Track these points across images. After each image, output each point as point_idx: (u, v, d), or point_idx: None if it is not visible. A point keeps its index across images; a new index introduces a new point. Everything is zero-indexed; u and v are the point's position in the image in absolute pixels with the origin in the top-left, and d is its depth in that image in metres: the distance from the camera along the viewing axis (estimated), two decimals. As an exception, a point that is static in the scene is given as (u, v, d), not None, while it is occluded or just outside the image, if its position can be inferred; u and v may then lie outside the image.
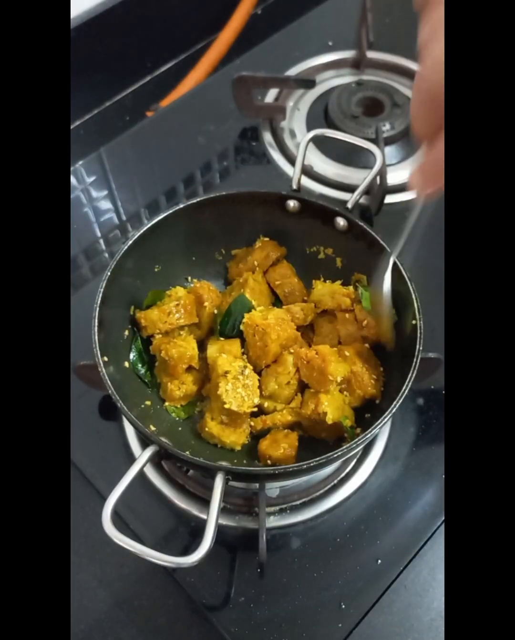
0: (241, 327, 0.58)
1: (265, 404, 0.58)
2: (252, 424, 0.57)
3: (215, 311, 0.61)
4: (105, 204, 0.81)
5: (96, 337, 0.52)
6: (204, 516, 0.58)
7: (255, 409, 0.55)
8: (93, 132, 0.91)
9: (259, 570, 0.55)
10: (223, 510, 0.59)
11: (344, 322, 0.60)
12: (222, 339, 0.60)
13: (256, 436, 0.58)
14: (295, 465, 0.47)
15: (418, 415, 0.64)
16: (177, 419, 0.59)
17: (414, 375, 0.50)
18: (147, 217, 0.80)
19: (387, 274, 0.55)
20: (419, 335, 0.52)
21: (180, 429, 0.58)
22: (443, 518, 0.58)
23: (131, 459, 0.61)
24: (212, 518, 0.44)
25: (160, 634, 0.54)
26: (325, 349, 0.55)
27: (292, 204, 0.62)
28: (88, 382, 0.60)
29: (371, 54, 0.90)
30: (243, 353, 0.59)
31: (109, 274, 0.55)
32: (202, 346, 0.61)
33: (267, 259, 0.64)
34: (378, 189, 0.74)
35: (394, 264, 0.56)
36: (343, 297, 0.61)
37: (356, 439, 0.48)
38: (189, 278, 0.66)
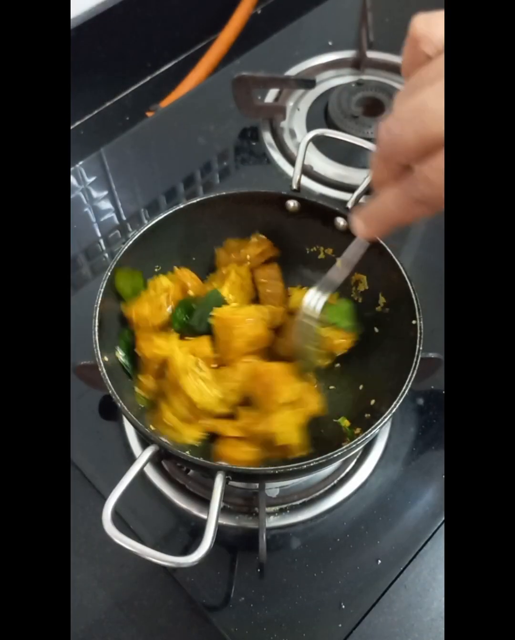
0: (210, 320, 0.58)
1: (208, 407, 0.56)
2: (204, 423, 0.56)
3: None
4: (105, 204, 0.81)
5: (96, 337, 0.52)
6: (204, 516, 0.58)
7: (218, 401, 0.55)
8: (93, 132, 0.91)
9: (259, 570, 0.55)
10: (223, 510, 0.59)
11: None
12: (190, 338, 0.59)
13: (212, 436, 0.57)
14: (295, 465, 0.47)
15: (418, 415, 0.64)
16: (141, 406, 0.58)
17: (413, 375, 0.50)
18: (147, 217, 0.80)
19: (319, 304, 0.54)
20: (418, 335, 0.52)
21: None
22: (443, 518, 0.58)
23: (131, 458, 0.61)
24: (212, 518, 0.44)
25: (160, 634, 0.54)
26: (277, 367, 0.55)
27: (292, 204, 0.62)
28: (88, 382, 0.60)
29: (371, 54, 0.90)
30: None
31: (109, 274, 0.55)
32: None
33: (260, 256, 0.63)
34: (378, 189, 0.74)
35: (393, 263, 0.56)
36: None
37: (356, 439, 0.48)
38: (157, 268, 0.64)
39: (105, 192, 0.82)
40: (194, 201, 0.60)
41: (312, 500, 0.60)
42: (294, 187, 0.62)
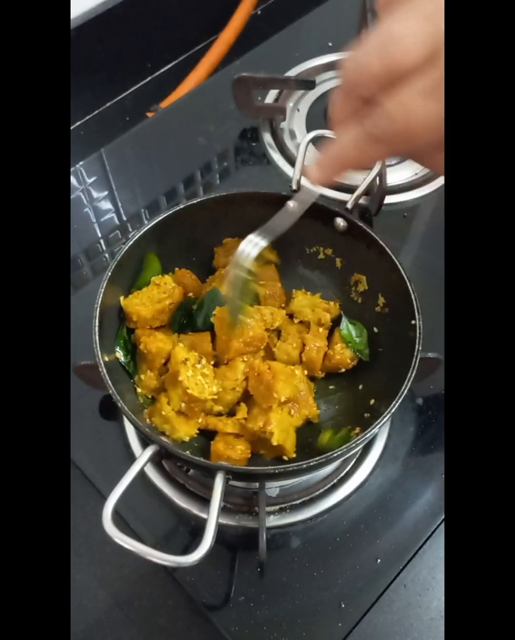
0: (211, 319, 0.58)
1: (206, 404, 0.57)
2: (200, 420, 0.57)
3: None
4: (106, 205, 0.81)
5: (97, 337, 0.52)
6: (204, 515, 0.58)
7: (215, 397, 0.55)
8: (93, 133, 0.91)
9: (259, 569, 0.56)
10: (223, 510, 0.59)
11: (315, 335, 0.60)
12: (191, 333, 0.60)
13: (207, 435, 0.57)
14: (295, 464, 0.47)
15: (417, 415, 0.64)
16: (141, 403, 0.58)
17: (413, 375, 0.50)
18: (147, 218, 0.80)
19: (253, 252, 0.51)
20: (418, 335, 0.52)
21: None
22: (442, 517, 0.58)
23: (131, 458, 0.61)
24: (213, 517, 0.44)
25: (160, 633, 0.54)
26: (278, 366, 0.56)
27: (292, 204, 0.62)
28: (88, 382, 0.60)
29: (371, 55, 0.90)
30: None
31: (109, 274, 0.55)
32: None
33: (258, 258, 0.63)
34: (378, 190, 0.74)
35: (393, 263, 0.56)
36: (322, 312, 0.61)
37: (356, 439, 0.48)
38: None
39: (106, 192, 0.82)
40: (194, 201, 0.60)
41: (312, 500, 0.60)
42: (294, 187, 0.62)
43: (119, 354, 0.57)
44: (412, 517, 0.59)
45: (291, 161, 0.82)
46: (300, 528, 0.59)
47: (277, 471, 0.48)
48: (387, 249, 0.57)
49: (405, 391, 0.49)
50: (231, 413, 0.58)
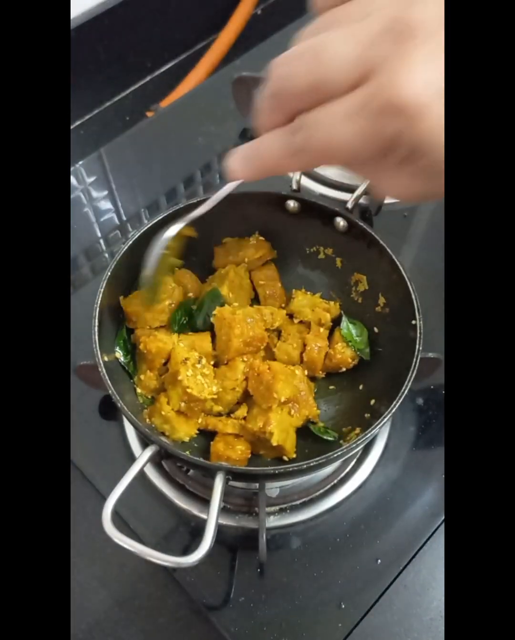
0: (211, 319, 0.59)
1: (206, 404, 0.57)
2: (199, 420, 0.57)
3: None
4: (106, 204, 0.81)
5: (96, 337, 0.52)
6: (204, 516, 0.58)
7: (215, 397, 0.55)
8: (93, 132, 0.91)
9: (259, 570, 0.56)
10: (223, 510, 0.59)
11: (316, 335, 0.60)
12: (191, 333, 0.60)
13: (207, 436, 0.57)
14: (295, 465, 0.47)
15: (418, 415, 0.64)
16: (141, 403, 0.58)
17: (413, 375, 0.50)
18: (147, 217, 0.80)
19: (172, 232, 0.51)
20: (418, 335, 0.52)
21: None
22: (443, 518, 0.58)
23: (131, 458, 0.61)
24: (212, 518, 0.44)
25: (160, 634, 0.54)
26: (278, 366, 0.56)
27: (292, 204, 0.62)
28: (88, 382, 0.60)
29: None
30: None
31: (109, 274, 0.55)
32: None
33: (257, 258, 0.64)
34: (378, 189, 0.74)
35: (393, 263, 0.56)
36: (323, 312, 0.61)
37: (356, 439, 0.48)
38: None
39: (105, 192, 0.82)
40: (194, 201, 0.60)
41: (312, 500, 0.60)
42: (294, 187, 0.62)
43: (119, 354, 0.57)
44: (412, 517, 0.59)
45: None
46: (300, 528, 0.59)
47: (277, 471, 0.48)
48: (387, 248, 0.57)
49: (406, 391, 0.49)
50: (231, 413, 0.58)
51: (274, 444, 0.53)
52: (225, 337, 0.57)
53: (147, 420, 0.55)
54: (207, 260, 0.66)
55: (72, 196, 0.81)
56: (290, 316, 0.63)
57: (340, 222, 0.60)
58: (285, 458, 0.55)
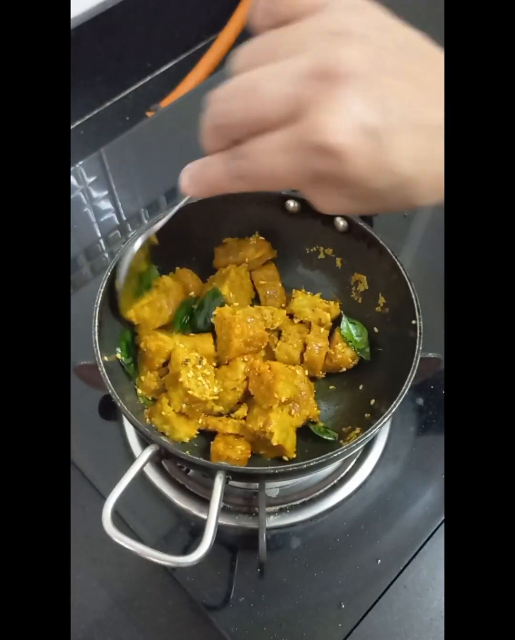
0: (212, 320, 0.59)
1: (207, 405, 0.57)
2: (200, 421, 0.57)
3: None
4: (106, 204, 0.81)
5: (96, 337, 0.52)
6: (204, 516, 0.58)
7: (216, 397, 0.55)
8: (93, 133, 0.91)
9: (258, 570, 0.56)
10: (223, 510, 0.59)
11: (317, 335, 0.61)
12: (193, 334, 0.60)
13: (207, 436, 0.57)
14: (295, 465, 0.47)
15: (418, 415, 0.64)
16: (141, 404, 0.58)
17: (413, 375, 0.50)
18: (148, 218, 0.80)
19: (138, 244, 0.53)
20: (418, 335, 0.52)
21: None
22: (443, 518, 0.58)
23: (131, 458, 0.61)
24: (212, 518, 0.44)
25: (160, 633, 0.54)
26: (278, 366, 0.56)
27: (292, 204, 0.62)
28: (88, 382, 0.60)
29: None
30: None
31: (109, 274, 0.55)
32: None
33: (258, 258, 0.64)
34: (378, 189, 0.74)
35: (393, 263, 0.56)
36: (323, 312, 0.61)
37: (356, 439, 0.48)
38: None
39: (106, 192, 0.82)
40: (194, 201, 0.60)
41: (312, 500, 0.60)
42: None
43: (120, 355, 0.57)
44: (412, 517, 0.59)
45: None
46: (300, 528, 0.59)
47: (277, 471, 0.48)
48: (387, 248, 0.57)
49: (406, 391, 0.49)
50: (231, 413, 0.58)
51: (274, 443, 0.53)
52: (225, 337, 0.57)
53: (147, 420, 0.55)
54: (208, 259, 0.66)
55: (72, 196, 0.81)
56: (291, 316, 0.63)
57: (340, 222, 0.60)
58: (285, 458, 0.55)
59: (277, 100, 0.29)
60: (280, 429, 0.53)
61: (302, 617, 0.54)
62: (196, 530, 0.58)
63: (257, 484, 0.56)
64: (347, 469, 0.61)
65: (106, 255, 0.77)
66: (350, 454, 0.54)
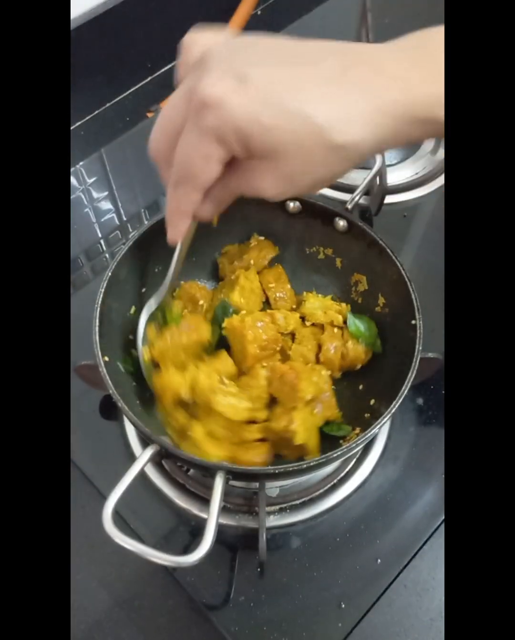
0: (223, 332, 0.58)
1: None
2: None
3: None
4: (106, 205, 0.81)
5: (97, 337, 0.52)
6: (204, 515, 0.58)
7: (250, 410, 0.55)
8: (93, 133, 0.91)
9: (259, 569, 0.56)
10: (223, 510, 0.59)
11: (331, 336, 0.60)
12: (208, 358, 0.58)
13: None
14: (295, 464, 0.47)
15: (417, 414, 0.64)
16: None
17: (413, 375, 0.50)
18: (148, 218, 0.80)
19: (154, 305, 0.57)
20: (418, 335, 0.52)
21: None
22: (443, 517, 0.58)
23: (132, 458, 0.61)
24: (213, 517, 0.44)
25: (161, 633, 0.54)
26: (300, 365, 0.56)
27: (292, 204, 0.62)
28: (88, 382, 0.60)
29: (371, 54, 0.90)
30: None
31: (109, 274, 0.55)
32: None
33: (262, 258, 0.64)
34: (378, 190, 0.74)
35: (393, 263, 0.56)
36: (335, 314, 0.61)
37: (356, 439, 0.48)
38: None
39: (106, 193, 0.82)
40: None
41: (312, 500, 0.60)
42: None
43: (123, 367, 0.57)
44: (412, 517, 0.59)
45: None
46: (300, 528, 0.59)
47: (277, 471, 0.48)
48: (387, 248, 0.57)
49: (406, 391, 0.49)
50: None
51: (298, 442, 0.52)
52: (239, 345, 0.57)
53: (178, 446, 0.53)
54: (207, 259, 0.66)
55: (72, 197, 0.81)
56: (302, 319, 0.63)
57: (340, 222, 0.60)
58: (306, 459, 0.54)
59: (172, 108, 0.37)
60: (304, 428, 0.53)
61: (302, 617, 0.54)
62: (196, 529, 0.58)
63: (257, 484, 0.56)
64: (347, 469, 0.61)
65: (106, 255, 0.77)
66: (350, 453, 0.54)
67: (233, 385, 0.56)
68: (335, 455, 0.47)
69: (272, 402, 0.57)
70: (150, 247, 0.60)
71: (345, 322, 0.62)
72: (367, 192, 0.76)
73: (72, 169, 0.83)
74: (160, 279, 0.63)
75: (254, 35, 0.37)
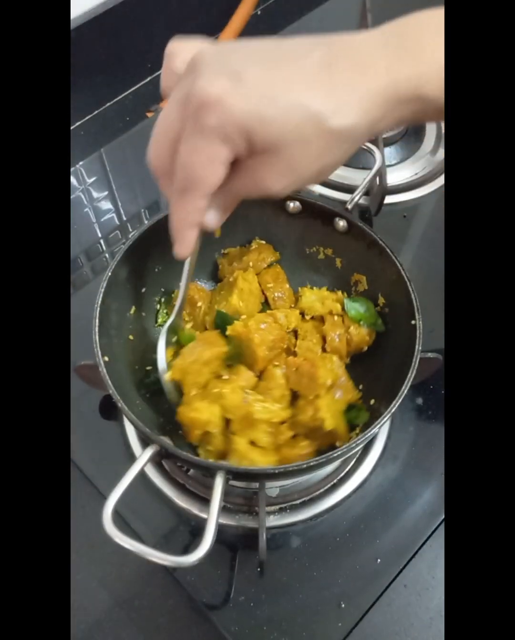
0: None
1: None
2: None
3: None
4: (106, 205, 0.81)
5: (97, 337, 0.52)
6: (204, 515, 0.58)
7: (285, 412, 0.55)
8: (93, 133, 0.91)
9: (259, 569, 0.56)
10: (223, 510, 0.59)
11: (333, 324, 0.61)
12: (228, 375, 0.57)
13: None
14: (294, 464, 0.47)
15: (417, 414, 0.64)
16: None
17: (413, 375, 0.50)
18: (148, 218, 0.80)
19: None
20: (418, 335, 0.52)
21: (180, 431, 0.58)
22: (442, 517, 0.58)
23: (132, 458, 0.61)
24: (213, 517, 0.44)
25: (161, 633, 0.54)
26: (312, 355, 0.56)
27: (292, 204, 0.62)
28: (88, 382, 0.60)
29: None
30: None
31: (109, 274, 0.55)
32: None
33: (262, 261, 0.64)
34: (377, 190, 0.74)
35: (393, 263, 0.56)
36: (333, 303, 0.62)
37: (356, 439, 0.48)
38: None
39: (106, 193, 0.82)
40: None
41: (312, 500, 0.60)
42: (294, 187, 0.62)
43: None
44: (412, 517, 0.59)
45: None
46: (300, 528, 0.59)
47: (277, 471, 0.48)
48: (387, 248, 0.57)
49: (405, 391, 0.49)
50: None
51: (328, 428, 0.52)
52: (248, 350, 0.57)
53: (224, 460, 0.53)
54: (207, 260, 0.66)
55: (72, 197, 0.81)
56: (302, 314, 0.64)
57: (340, 222, 0.60)
58: (338, 444, 0.54)
59: (167, 117, 0.37)
60: (330, 414, 0.53)
61: (302, 617, 0.54)
62: (196, 529, 0.58)
63: (257, 484, 0.56)
64: (347, 469, 0.61)
65: (106, 255, 0.77)
66: (350, 453, 0.54)
67: (255, 393, 0.56)
68: (335, 455, 0.47)
69: (293, 398, 0.57)
70: (150, 247, 0.60)
71: (343, 309, 0.62)
72: (367, 192, 0.76)
73: (72, 169, 0.83)
74: (161, 278, 0.63)
75: (241, 39, 0.38)
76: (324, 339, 0.61)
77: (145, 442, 0.61)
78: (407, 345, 0.53)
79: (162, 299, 0.65)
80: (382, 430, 0.63)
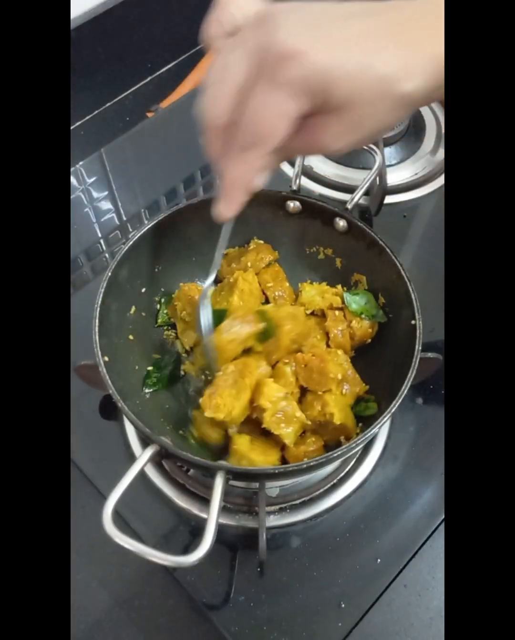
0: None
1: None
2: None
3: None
4: (106, 205, 0.81)
5: (97, 337, 0.52)
6: (204, 515, 0.58)
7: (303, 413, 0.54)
8: (93, 133, 0.91)
9: (259, 569, 0.56)
10: (223, 510, 0.59)
11: (335, 320, 0.61)
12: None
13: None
14: (294, 464, 0.47)
15: (417, 414, 0.64)
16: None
17: (413, 375, 0.50)
18: (148, 218, 0.80)
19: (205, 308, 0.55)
20: (418, 335, 0.52)
21: (180, 431, 0.59)
22: (442, 517, 0.58)
23: (132, 458, 0.61)
24: (213, 517, 0.44)
25: (161, 633, 0.54)
26: (319, 351, 0.56)
27: (292, 204, 0.62)
28: (88, 382, 0.60)
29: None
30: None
31: (109, 274, 0.55)
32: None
33: (260, 261, 0.64)
34: (377, 190, 0.74)
35: (393, 263, 0.56)
36: (333, 297, 0.62)
37: (356, 439, 0.48)
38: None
39: (106, 193, 0.82)
40: (194, 201, 0.60)
41: (312, 500, 0.60)
42: (294, 187, 0.62)
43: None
44: (412, 517, 0.59)
45: (291, 161, 0.82)
46: (300, 528, 0.59)
47: (277, 471, 0.48)
48: (387, 248, 0.57)
49: (405, 391, 0.49)
50: None
51: (337, 423, 0.53)
52: (274, 336, 0.57)
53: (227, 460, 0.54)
54: (207, 260, 0.66)
55: (72, 196, 0.81)
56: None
57: (340, 222, 0.60)
58: (344, 439, 0.55)
59: (228, 68, 0.35)
60: (339, 409, 0.54)
61: (302, 617, 0.54)
62: (196, 529, 0.58)
63: (257, 484, 0.56)
64: (347, 469, 0.61)
65: (106, 255, 0.77)
66: (350, 453, 0.54)
67: (291, 398, 0.55)
68: (335, 455, 0.47)
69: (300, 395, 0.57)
70: (150, 247, 0.60)
71: (344, 303, 0.62)
72: (367, 192, 0.76)
73: (72, 169, 0.83)
74: (161, 278, 0.63)
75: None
76: (327, 336, 0.61)
77: (145, 442, 0.61)
78: (407, 345, 0.53)
79: (162, 299, 0.65)
80: (382, 430, 0.64)
